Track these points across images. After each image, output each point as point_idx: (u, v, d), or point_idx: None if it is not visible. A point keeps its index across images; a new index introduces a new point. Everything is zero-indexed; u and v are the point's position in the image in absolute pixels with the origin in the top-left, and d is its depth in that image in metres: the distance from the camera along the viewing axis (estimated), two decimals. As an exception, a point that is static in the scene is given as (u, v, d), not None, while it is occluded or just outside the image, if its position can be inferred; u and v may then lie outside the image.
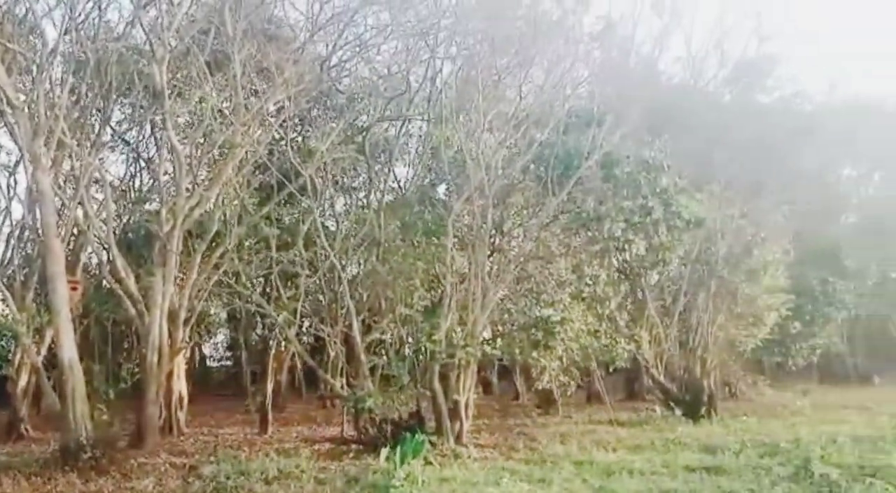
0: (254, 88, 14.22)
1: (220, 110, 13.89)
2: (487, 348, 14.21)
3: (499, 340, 15.30)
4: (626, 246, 15.44)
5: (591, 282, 15.55)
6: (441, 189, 17.60)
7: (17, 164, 15.48)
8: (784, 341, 20.55)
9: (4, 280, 14.45)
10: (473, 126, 13.70)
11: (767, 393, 19.85)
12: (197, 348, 24.70)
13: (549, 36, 14.42)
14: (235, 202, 14.19)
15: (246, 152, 13.84)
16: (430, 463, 10.53)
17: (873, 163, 25.54)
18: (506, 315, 15.39)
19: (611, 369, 17.41)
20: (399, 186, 17.23)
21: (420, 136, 17.41)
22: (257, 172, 15.04)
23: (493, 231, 14.86)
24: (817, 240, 21.40)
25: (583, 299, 15.04)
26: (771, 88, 18.65)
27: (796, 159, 19.79)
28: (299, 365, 21.16)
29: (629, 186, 14.69)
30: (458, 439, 12.58)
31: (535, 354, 14.14)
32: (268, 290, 15.42)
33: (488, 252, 14.55)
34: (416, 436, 10.96)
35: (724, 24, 17.81)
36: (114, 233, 14.04)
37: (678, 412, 15.77)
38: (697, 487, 9.43)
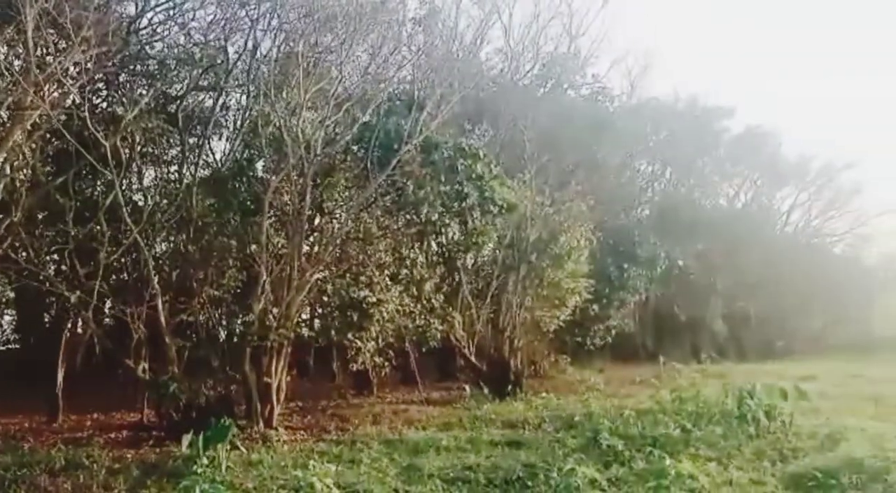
0: (50, 45, 12.91)
1: (7, 68, 12.47)
2: (304, 330, 14.08)
3: (316, 321, 15.16)
4: (443, 230, 15.87)
5: (409, 264, 15.83)
6: (260, 166, 17.05)
7: None
8: (584, 322, 22.04)
9: None
10: (293, 103, 13.39)
11: (568, 371, 21.23)
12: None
13: (373, 16, 14.38)
14: (26, 170, 12.87)
15: (40, 116, 12.56)
16: (237, 448, 10.28)
17: (666, 159, 28.04)
18: (325, 297, 15.31)
19: (424, 350, 17.81)
20: (215, 161, 16.47)
21: (239, 109, 16.73)
22: (53, 139, 13.72)
23: (312, 211, 14.66)
24: (615, 229, 23.13)
25: (400, 281, 15.26)
26: (579, 84, 19.86)
27: (600, 153, 21.34)
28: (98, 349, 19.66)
29: (447, 172, 15.05)
30: (268, 422, 12.35)
31: (350, 335, 14.18)
32: (63, 267, 14.15)
33: (307, 232, 14.35)
34: (223, 421, 10.60)
35: (540, 21, 18.69)
36: None
37: (486, 390, 16.48)
38: (499, 461, 9.97)
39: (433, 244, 17.67)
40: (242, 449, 10.32)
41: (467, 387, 17.00)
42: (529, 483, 8.93)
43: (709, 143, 28.20)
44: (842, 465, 9.18)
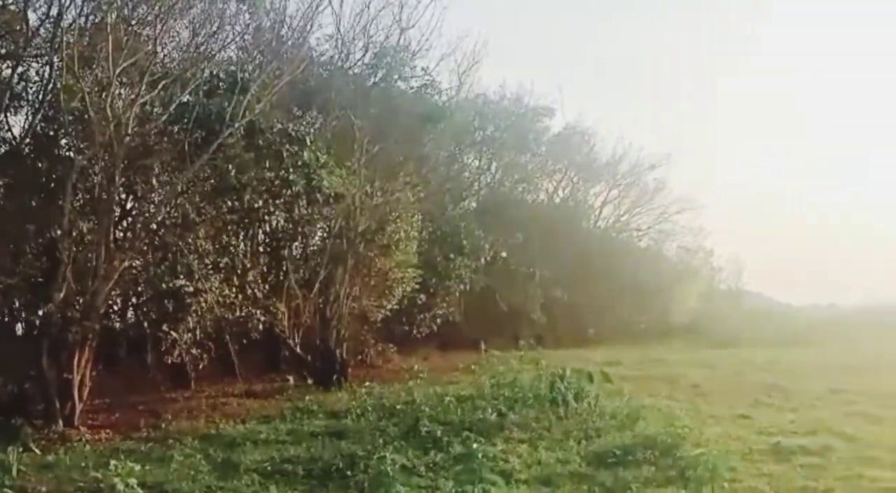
0: None
1: None
2: (115, 322, 13.18)
3: (129, 312, 14.22)
4: (268, 218, 15.44)
5: (231, 253, 15.27)
6: (64, 144, 15.68)
7: None
8: (411, 311, 22.38)
9: None
10: (102, 77, 12.42)
11: (395, 360, 21.44)
12: None
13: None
14: None
15: None
16: (31, 450, 9.43)
17: (492, 155, 29.07)
18: (138, 286, 14.41)
19: (247, 342, 17.26)
20: (13, 137, 14.92)
21: (41, 81, 15.26)
22: None
23: (124, 195, 13.72)
24: (443, 221, 23.66)
25: (221, 270, 14.68)
26: (409, 76, 20.01)
27: (429, 146, 21.70)
28: None
29: (272, 158, 14.65)
30: (68, 421, 11.43)
31: (165, 326, 13.46)
32: None
33: (117, 218, 13.41)
34: (14, 421, 9.68)
35: (371, 10, 18.56)
36: None
37: (311, 381, 16.28)
38: (319, 452, 9.89)
39: (259, 233, 17.18)
40: (37, 451, 9.50)
41: (291, 378, 16.70)
42: (349, 473, 8.92)
43: (532, 140, 29.56)
44: (638, 442, 9.98)
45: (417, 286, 20.49)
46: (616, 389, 14.19)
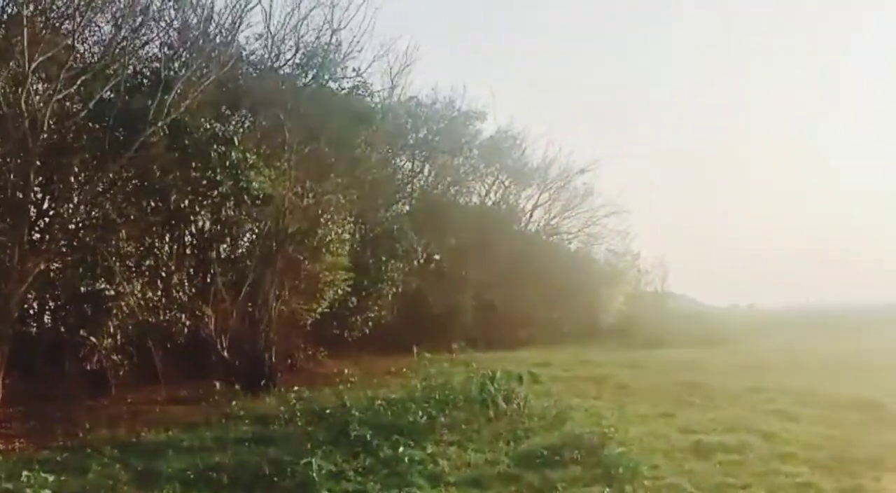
0: None
1: None
2: (30, 327, 12.61)
3: (45, 316, 13.65)
4: (193, 219, 15.05)
5: (155, 255, 14.83)
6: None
7: None
8: (343, 314, 22.17)
9: None
10: (17, 72, 11.89)
11: (326, 364, 21.20)
12: None
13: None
14: None
15: None
16: (-68, 464, 8.93)
17: (425, 157, 29.12)
18: (57, 290, 13.85)
19: (171, 346, 16.77)
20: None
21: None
22: None
23: (41, 194, 13.16)
24: (376, 223, 23.55)
25: (144, 273, 14.24)
26: (340, 77, 19.85)
27: (361, 148, 21.55)
28: None
29: (198, 158, 14.29)
30: (-22, 431, 10.88)
31: (83, 331, 12.95)
32: None
33: (33, 218, 12.84)
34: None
35: (301, 9, 18.34)
36: None
37: (238, 386, 15.93)
38: (245, 458, 9.67)
39: (185, 234, 16.73)
40: (-61, 465, 9.00)
41: (217, 384, 16.29)
42: (275, 479, 8.76)
43: (464, 143, 29.78)
44: (566, 442, 10.11)
45: (349, 289, 20.30)
46: (545, 390, 14.39)
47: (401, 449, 9.22)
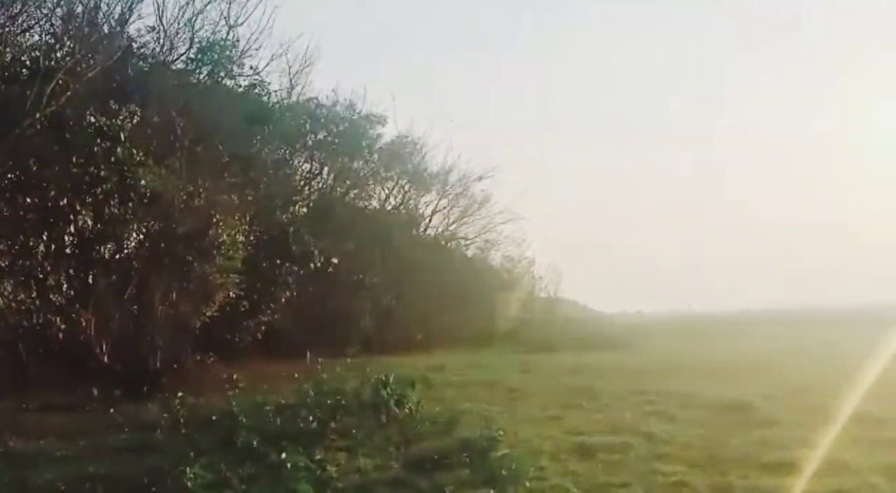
0: None
1: None
2: None
3: None
4: (74, 217, 14.27)
5: (31, 254, 13.97)
6: None
7: None
8: (235, 318, 21.56)
9: None
10: None
11: (215, 369, 20.53)
12: None
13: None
14: None
15: None
16: None
17: (324, 160, 28.79)
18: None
19: (45, 351, 15.84)
20: None
21: None
22: None
23: None
24: (272, 225, 23.05)
25: (16, 273, 13.39)
26: (237, 75, 19.40)
27: (257, 148, 21.10)
28: None
29: (80, 153, 13.59)
30: None
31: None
32: None
33: None
34: None
35: (196, 3, 17.83)
36: None
37: (119, 392, 15.21)
38: (122, 468, 9.23)
39: (65, 234, 15.83)
40: None
41: (96, 390, 15.50)
42: (155, 489, 8.41)
43: (365, 147, 29.65)
44: (456, 446, 10.19)
45: (241, 293, 19.80)
46: (438, 394, 14.47)
47: (288, 455, 9.04)
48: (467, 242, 36.55)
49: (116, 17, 16.43)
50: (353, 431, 11.35)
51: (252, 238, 20.36)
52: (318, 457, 9.40)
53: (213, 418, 12.04)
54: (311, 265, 25.80)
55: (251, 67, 19.69)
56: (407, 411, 12.40)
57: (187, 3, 17.76)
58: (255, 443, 10.10)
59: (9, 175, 13.56)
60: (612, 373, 19.69)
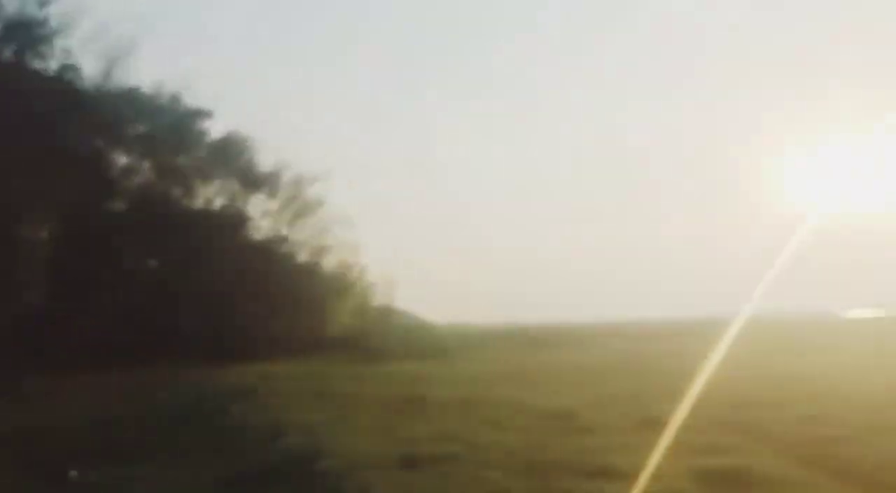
0: None
1: None
2: None
3: None
4: None
5: None
6: None
7: None
8: (39, 322, 19.55)
9: None
10: None
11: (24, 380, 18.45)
12: None
13: None
14: None
15: None
16: None
17: (144, 153, 26.89)
18: None
19: None
20: None
21: None
22: None
23: None
24: (85, 221, 21.21)
25: None
26: (47, 55, 17.62)
27: (70, 136, 19.28)
28: None
29: None
30: None
31: None
32: None
33: None
34: None
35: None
36: None
37: None
38: None
39: None
40: None
41: None
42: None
43: (190, 142, 28.08)
44: (279, 458, 9.70)
45: (48, 294, 17.97)
46: (265, 404, 13.81)
47: (91, 472, 8.17)
48: (299, 246, 35.55)
49: None
50: (173, 444, 10.56)
51: (61, 234, 18.56)
52: (130, 473, 8.58)
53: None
54: (128, 266, 24.04)
55: (63, 49, 17.89)
56: (230, 422, 11.74)
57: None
58: (64, 459, 9.12)
59: None
60: (443, 382, 19.79)
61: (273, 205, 33.48)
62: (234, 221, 31.35)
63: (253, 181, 31.94)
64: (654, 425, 11.78)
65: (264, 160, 32.39)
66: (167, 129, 26.11)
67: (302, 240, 35.14)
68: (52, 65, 17.81)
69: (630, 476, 8.67)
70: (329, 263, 36.77)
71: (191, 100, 27.44)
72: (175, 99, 26.86)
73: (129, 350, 23.40)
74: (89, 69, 20.52)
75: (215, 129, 29.30)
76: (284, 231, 34.53)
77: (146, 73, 38.80)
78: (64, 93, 17.86)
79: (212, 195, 30.97)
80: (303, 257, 35.57)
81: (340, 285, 36.03)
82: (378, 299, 41.35)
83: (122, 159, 26.15)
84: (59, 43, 17.53)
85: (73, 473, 8.39)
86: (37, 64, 17.75)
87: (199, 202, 30.03)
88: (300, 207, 34.05)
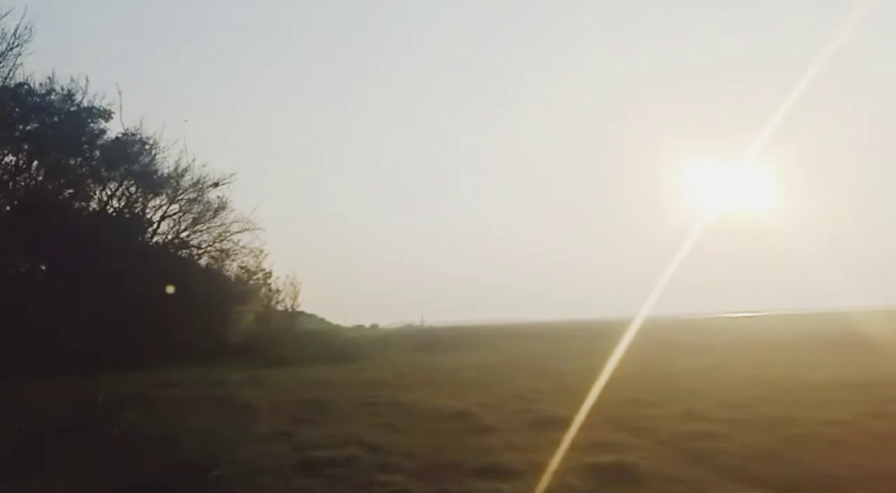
0: None
1: None
2: None
3: None
4: None
5: None
6: None
7: None
8: None
9: None
10: None
11: None
12: None
13: None
14: None
15: None
16: None
17: (33, 153, 25.70)
18: None
19: None
20: None
21: None
22: None
23: None
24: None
25: None
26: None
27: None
28: None
29: None
30: None
31: None
32: None
33: None
34: None
35: None
36: None
37: None
38: None
39: None
40: None
41: None
42: None
43: (84, 142, 26.96)
44: (174, 466, 9.57)
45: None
46: (159, 412, 13.52)
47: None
48: (200, 251, 34.65)
49: None
50: (58, 456, 10.20)
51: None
52: (7, 489, 8.28)
53: None
54: (13, 271, 22.90)
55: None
56: (121, 431, 11.45)
57: None
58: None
59: None
60: (345, 386, 19.84)
61: (174, 208, 32.52)
62: (131, 225, 30.23)
63: (152, 183, 30.90)
64: (549, 424, 12.32)
65: (165, 162, 31.52)
66: (59, 127, 24.98)
67: (204, 244, 34.27)
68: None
69: (524, 474, 9.08)
70: (232, 267, 36.03)
71: (86, 98, 26.38)
72: (69, 97, 25.72)
73: (15, 358, 22.29)
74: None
75: (113, 129, 28.38)
76: (185, 235, 33.60)
77: (38, 69, 37.10)
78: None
79: (108, 198, 29.81)
80: (204, 261, 34.72)
81: (244, 290, 35.38)
82: (283, 303, 40.89)
83: (7, 158, 24.91)
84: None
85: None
86: None
87: (94, 205, 28.87)
88: (202, 211, 33.20)
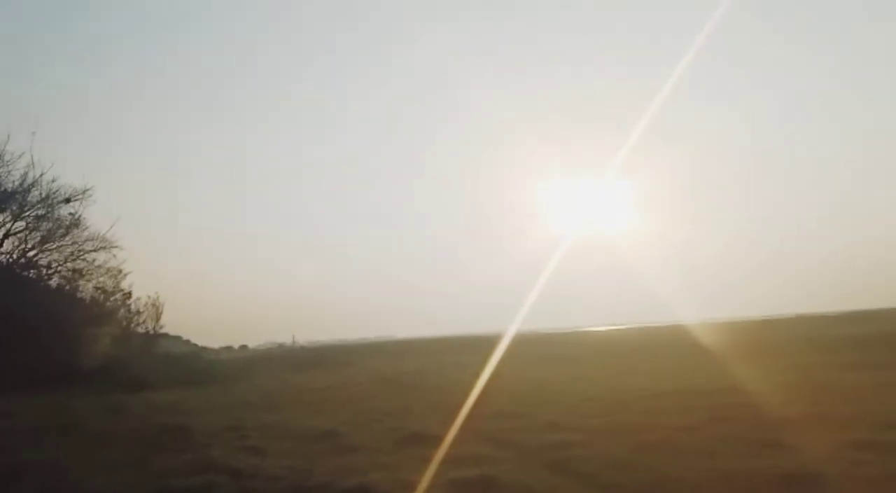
0: None
1: None
2: None
3: None
4: None
5: None
6: None
7: None
8: None
9: None
10: None
11: None
12: None
13: None
14: None
15: None
16: None
17: None
18: None
19: None
20: None
21: None
22: None
23: None
24: None
25: None
26: None
27: None
28: None
29: None
30: None
31: None
32: None
33: None
34: None
35: None
36: None
37: None
38: None
39: None
40: None
41: None
42: None
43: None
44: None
45: None
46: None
47: None
48: (50, 271, 32.31)
49: None
50: None
51: None
52: None
53: None
54: None
55: None
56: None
57: None
58: None
59: None
60: (208, 409, 19.12)
61: (19, 225, 30.12)
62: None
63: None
64: (416, 440, 12.40)
65: (10, 176, 29.21)
66: None
67: (55, 264, 31.92)
68: None
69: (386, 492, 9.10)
70: (87, 288, 33.77)
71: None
72: None
73: None
74: None
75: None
76: (32, 254, 31.18)
77: None
78: None
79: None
80: (55, 282, 32.35)
81: (99, 312, 33.24)
82: (144, 325, 38.83)
83: None
84: None
85: None
86: None
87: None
88: (52, 228, 30.96)
